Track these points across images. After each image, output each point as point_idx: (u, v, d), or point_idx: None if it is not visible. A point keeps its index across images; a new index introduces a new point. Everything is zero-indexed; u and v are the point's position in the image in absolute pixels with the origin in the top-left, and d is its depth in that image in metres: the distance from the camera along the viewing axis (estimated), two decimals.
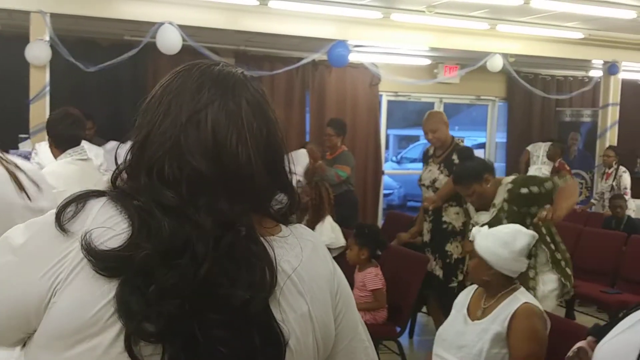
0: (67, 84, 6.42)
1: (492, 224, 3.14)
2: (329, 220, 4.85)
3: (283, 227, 1.00)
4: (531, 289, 3.22)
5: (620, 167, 7.37)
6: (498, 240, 2.54)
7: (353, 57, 6.96)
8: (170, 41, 5.66)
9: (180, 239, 0.85)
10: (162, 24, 5.63)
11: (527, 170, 8.11)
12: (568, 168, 7.69)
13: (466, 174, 3.52)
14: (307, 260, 0.97)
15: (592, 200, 7.75)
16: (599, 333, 1.44)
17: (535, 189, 3.31)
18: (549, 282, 3.34)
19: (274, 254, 0.91)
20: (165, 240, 0.84)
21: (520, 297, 2.54)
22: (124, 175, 0.94)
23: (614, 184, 7.29)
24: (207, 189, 0.88)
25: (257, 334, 0.85)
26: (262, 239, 0.91)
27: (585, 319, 5.18)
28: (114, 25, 6.20)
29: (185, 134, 0.90)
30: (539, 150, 8.27)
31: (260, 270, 0.88)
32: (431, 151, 4.62)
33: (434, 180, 4.42)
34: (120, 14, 5.68)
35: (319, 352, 0.97)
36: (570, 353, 1.70)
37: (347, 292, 1.06)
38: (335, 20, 6.35)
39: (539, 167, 7.95)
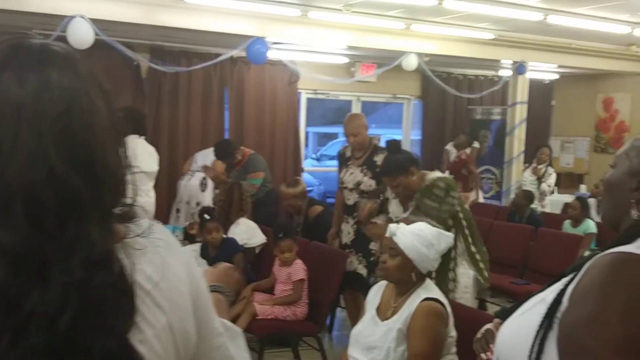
0: None
1: (413, 213, 3.26)
2: (243, 221, 4.80)
3: (129, 226, 0.88)
4: (451, 280, 3.32)
5: (550, 167, 7.69)
6: (424, 241, 2.56)
7: (272, 55, 6.95)
8: (81, 35, 5.47)
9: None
10: (73, 17, 5.43)
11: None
12: (472, 160, 7.89)
13: (393, 166, 3.61)
14: (162, 264, 0.88)
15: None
16: (505, 315, 1.51)
17: (435, 204, 3.42)
18: (464, 276, 3.46)
19: (128, 265, 0.80)
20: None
21: (421, 292, 2.56)
22: None
23: (544, 180, 7.59)
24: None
25: None
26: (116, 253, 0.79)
27: (496, 309, 5.39)
28: (22, 18, 5.91)
29: None
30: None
31: (123, 315, 0.77)
32: (348, 152, 4.64)
33: (359, 183, 4.45)
34: (29, 7, 5.43)
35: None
36: (478, 335, 1.76)
37: (205, 290, 0.99)
38: (254, 17, 6.32)
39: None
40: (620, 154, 1.43)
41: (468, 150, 8.28)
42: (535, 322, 1.28)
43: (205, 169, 6.21)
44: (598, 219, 6.60)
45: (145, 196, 4.96)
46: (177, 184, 6.73)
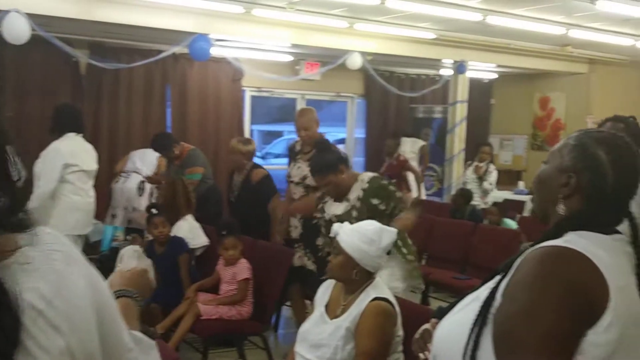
0: None
1: (342, 218, 3.26)
2: (187, 220, 4.73)
3: (19, 236, 0.78)
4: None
5: (491, 164, 7.85)
6: (364, 238, 2.57)
7: (215, 51, 6.89)
8: (17, 30, 5.30)
9: None
10: (8, 11, 5.25)
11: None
12: (402, 159, 7.90)
13: (323, 165, 3.62)
14: (58, 279, 0.79)
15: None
16: (441, 314, 1.54)
17: (382, 206, 3.46)
18: (396, 271, 3.51)
19: (14, 285, 0.72)
20: None
21: (371, 291, 2.57)
22: None
23: (485, 178, 7.75)
24: None
25: None
26: None
27: (439, 305, 5.50)
28: None
29: None
30: (405, 146, 8.47)
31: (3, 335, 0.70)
32: (297, 147, 4.66)
33: (304, 177, 4.46)
34: None
35: None
36: (416, 335, 1.77)
37: (111, 304, 0.92)
38: (197, 13, 6.24)
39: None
40: (554, 151, 1.48)
41: (415, 146, 8.41)
42: (470, 319, 1.31)
43: (149, 179, 5.99)
44: None
45: (85, 196, 4.85)
46: (111, 186, 6.33)
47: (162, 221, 4.34)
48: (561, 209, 1.41)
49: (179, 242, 4.40)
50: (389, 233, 2.62)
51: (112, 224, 6.20)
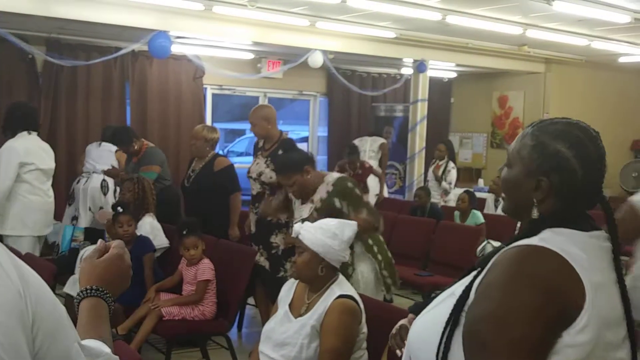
0: None
1: (308, 220, 3.27)
2: (150, 219, 4.67)
3: None
4: (350, 276, 3.38)
5: (450, 162, 7.93)
6: (327, 232, 2.59)
7: (175, 49, 6.82)
8: None
9: None
10: None
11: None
12: (367, 166, 7.92)
13: (288, 165, 3.62)
14: None
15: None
16: (418, 309, 1.51)
17: (344, 209, 3.47)
18: (366, 272, 3.53)
19: None
20: None
21: (336, 289, 2.59)
22: None
23: (443, 176, 7.82)
24: None
25: None
26: None
27: (402, 301, 5.55)
28: None
29: None
30: (365, 145, 8.55)
31: None
32: (261, 143, 4.66)
33: (260, 174, 4.46)
34: None
35: None
36: (393, 331, 1.76)
37: (50, 316, 0.83)
38: (156, 9, 6.16)
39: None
40: (513, 153, 1.43)
41: (374, 145, 8.44)
42: (444, 316, 1.29)
43: (107, 173, 5.86)
44: (497, 212, 6.93)
45: (44, 196, 4.74)
46: (73, 187, 6.20)
47: (128, 219, 4.27)
48: (535, 212, 1.37)
49: (145, 241, 4.36)
50: (350, 226, 2.67)
51: (75, 225, 6.02)
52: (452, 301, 1.31)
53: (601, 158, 1.36)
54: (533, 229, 1.33)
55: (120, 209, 4.34)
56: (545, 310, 1.19)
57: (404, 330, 1.69)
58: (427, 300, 1.50)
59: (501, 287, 1.23)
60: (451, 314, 1.28)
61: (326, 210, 3.40)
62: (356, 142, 8.81)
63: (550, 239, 1.28)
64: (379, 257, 3.59)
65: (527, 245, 1.27)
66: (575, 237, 1.30)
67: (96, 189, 5.96)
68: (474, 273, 1.34)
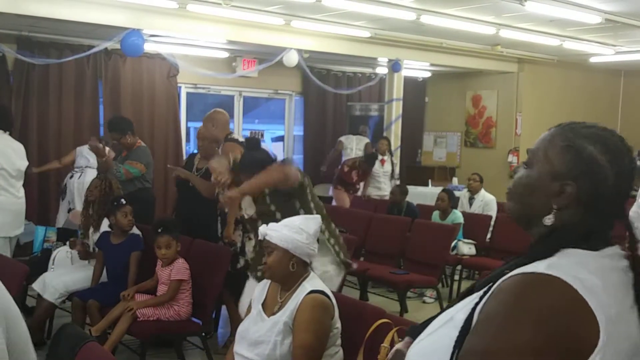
0: None
1: (262, 210, 3.43)
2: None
3: None
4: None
5: (392, 156, 8.13)
6: (293, 228, 2.64)
7: (149, 47, 6.76)
8: None
9: None
10: None
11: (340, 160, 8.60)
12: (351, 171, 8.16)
13: (251, 164, 3.65)
14: None
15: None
16: (415, 333, 1.38)
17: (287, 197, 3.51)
18: (326, 263, 3.54)
19: None
20: None
21: (307, 285, 2.61)
22: None
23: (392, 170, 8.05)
24: None
25: None
26: None
27: (377, 299, 5.57)
28: None
29: None
30: (351, 143, 8.87)
31: None
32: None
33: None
34: None
35: None
36: (389, 356, 1.62)
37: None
38: (129, 7, 6.11)
39: None
40: (536, 152, 1.27)
41: (360, 144, 8.71)
42: (443, 345, 1.18)
43: (93, 148, 5.79)
44: (471, 210, 6.99)
45: (12, 196, 4.67)
46: (65, 182, 6.32)
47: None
48: (549, 219, 1.22)
49: (136, 239, 4.33)
50: (314, 220, 2.74)
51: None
52: (451, 327, 1.20)
53: (633, 171, 1.22)
54: (548, 250, 1.18)
55: (123, 201, 4.30)
56: (545, 354, 1.05)
57: (399, 355, 1.55)
58: (424, 322, 1.38)
59: (497, 321, 1.10)
60: (455, 347, 1.16)
61: (278, 198, 3.45)
62: (342, 139, 9.01)
63: (560, 264, 1.13)
64: (332, 241, 3.61)
65: (533, 274, 1.12)
66: (588, 260, 1.15)
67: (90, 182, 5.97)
68: (474, 297, 1.21)
